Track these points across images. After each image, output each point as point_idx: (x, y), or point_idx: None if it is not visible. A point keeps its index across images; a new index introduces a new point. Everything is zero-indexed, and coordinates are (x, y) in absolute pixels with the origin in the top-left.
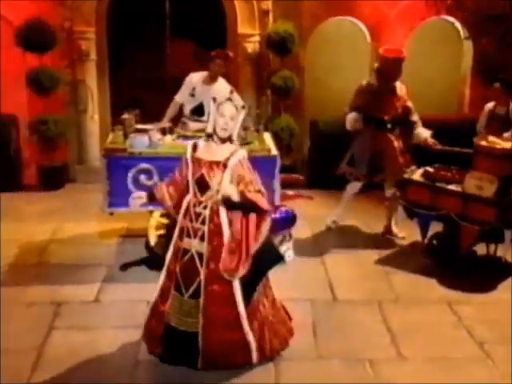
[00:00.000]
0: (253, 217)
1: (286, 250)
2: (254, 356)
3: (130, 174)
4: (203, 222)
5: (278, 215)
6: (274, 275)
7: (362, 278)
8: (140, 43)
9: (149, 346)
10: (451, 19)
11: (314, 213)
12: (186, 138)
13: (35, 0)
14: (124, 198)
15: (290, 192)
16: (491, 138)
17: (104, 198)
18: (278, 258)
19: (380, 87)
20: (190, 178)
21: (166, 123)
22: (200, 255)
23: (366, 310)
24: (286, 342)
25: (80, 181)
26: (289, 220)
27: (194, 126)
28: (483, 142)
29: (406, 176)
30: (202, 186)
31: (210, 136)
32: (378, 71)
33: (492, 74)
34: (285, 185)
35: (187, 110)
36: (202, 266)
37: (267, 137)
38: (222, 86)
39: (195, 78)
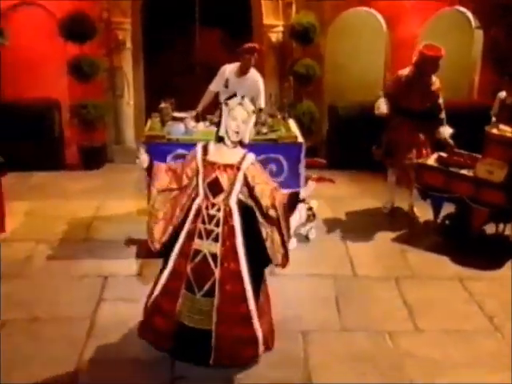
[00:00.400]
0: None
1: (310, 228)
2: (260, 349)
3: (168, 159)
4: (217, 224)
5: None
6: (299, 253)
7: (379, 255)
8: (172, 32)
9: (154, 342)
10: (463, 9)
11: (334, 193)
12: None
13: None
14: None
15: (314, 175)
16: (502, 127)
17: (145, 180)
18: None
19: (414, 80)
20: (200, 181)
21: (197, 110)
22: (213, 256)
23: (384, 285)
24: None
25: (117, 161)
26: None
27: None
28: (494, 130)
29: (420, 161)
30: (215, 188)
31: (221, 139)
32: (415, 65)
33: (501, 62)
34: (308, 167)
35: (222, 100)
36: (216, 265)
37: (292, 124)
38: (253, 77)
39: (228, 69)
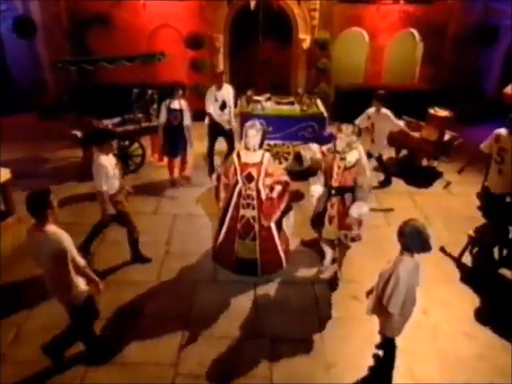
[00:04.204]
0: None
1: None
2: (284, 264)
3: None
4: (252, 199)
5: (326, 134)
6: None
7: None
8: (245, 41)
9: (223, 265)
10: (413, 30)
11: None
12: (279, 103)
13: (193, 19)
14: None
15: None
16: (437, 109)
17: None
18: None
19: (331, 160)
20: (239, 175)
21: (267, 95)
22: (253, 217)
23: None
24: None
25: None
26: (329, 137)
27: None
28: (432, 111)
29: None
30: (249, 178)
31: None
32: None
33: (433, 60)
34: None
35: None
36: (255, 223)
37: (320, 103)
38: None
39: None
